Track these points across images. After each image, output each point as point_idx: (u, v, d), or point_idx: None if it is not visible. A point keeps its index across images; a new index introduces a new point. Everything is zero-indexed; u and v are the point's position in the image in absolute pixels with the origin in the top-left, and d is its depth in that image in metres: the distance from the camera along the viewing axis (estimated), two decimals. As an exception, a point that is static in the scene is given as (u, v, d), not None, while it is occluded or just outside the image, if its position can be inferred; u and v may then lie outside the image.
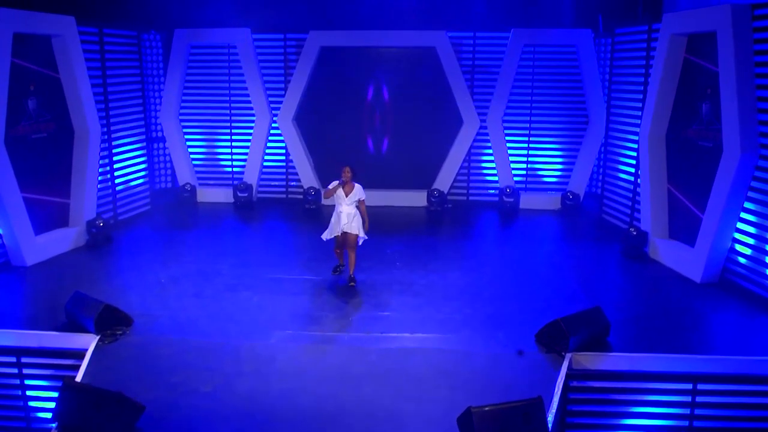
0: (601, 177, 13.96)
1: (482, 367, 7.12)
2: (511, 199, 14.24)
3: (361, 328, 8.01)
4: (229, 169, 15.22)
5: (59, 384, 6.31)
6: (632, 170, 12.23)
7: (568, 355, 7.09)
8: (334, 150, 14.66)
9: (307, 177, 14.84)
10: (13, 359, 7.19)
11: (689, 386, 6.84)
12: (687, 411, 6.87)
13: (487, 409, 5.80)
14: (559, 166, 14.74)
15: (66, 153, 11.37)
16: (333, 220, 9.31)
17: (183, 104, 14.98)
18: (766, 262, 8.87)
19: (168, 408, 6.41)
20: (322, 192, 12.53)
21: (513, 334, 7.77)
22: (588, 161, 14.38)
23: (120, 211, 12.92)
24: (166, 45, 14.70)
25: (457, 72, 14.34)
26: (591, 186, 14.90)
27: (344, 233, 9.19)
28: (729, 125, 9.15)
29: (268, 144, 14.95)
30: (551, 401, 6.42)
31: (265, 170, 15.11)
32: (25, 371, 7.22)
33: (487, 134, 14.62)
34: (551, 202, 14.53)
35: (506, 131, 14.61)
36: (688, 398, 6.85)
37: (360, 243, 9.32)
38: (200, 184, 15.13)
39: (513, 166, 14.72)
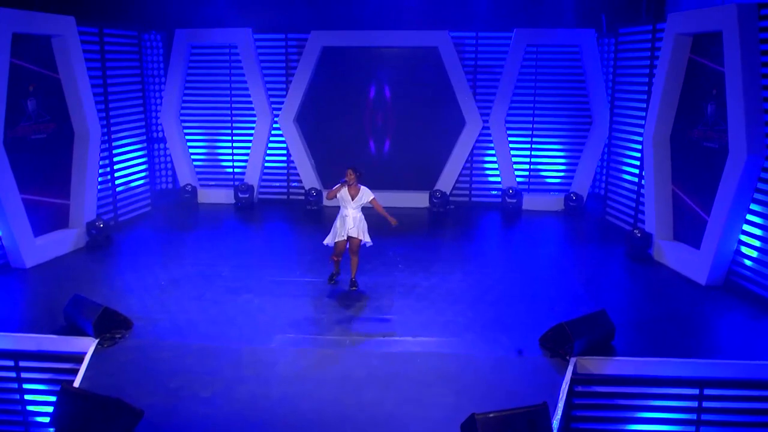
0: (604, 178, 13.88)
1: (486, 371, 7.03)
2: (514, 200, 14.17)
3: (363, 332, 7.93)
4: (230, 170, 15.15)
5: (57, 388, 6.23)
6: (636, 171, 12.15)
7: (573, 360, 7.01)
8: (335, 151, 14.59)
9: (309, 178, 14.76)
10: (11, 363, 7.16)
11: (696, 391, 6.78)
12: (694, 416, 6.81)
13: (491, 415, 5.70)
14: (563, 167, 14.66)
15: (66, 154, 11.30)
16: (337, 223, 9.08)
17: (184, 105, 14.92)
18: (772, 265, 8.79)
19: (167, 413, 6.32)
20: (324, 193, 12.47)
21: (516, 338, 7.68)
22: (591, 162, 14.30)
23: (120, 213, 12.86)
24: (166, 45, 14.65)
25: (460, 72, 14.27)
26: (594, 187, 14.80)
27: (349, 237, 9.05)
28: (735, 126, 9.08)
29: (270, 145, 14.89)
30: (556, 406, 6.34)
31: (266, 171, 15.04)
32: (24, 375, 7.20)
33: (489, 135, 14.55)
34: (554, 203, 14.44)
35: (509, 132, 14.53)
36: (695, 403, 6.79)
37: (366, 246, 9.21)
38: (201, 185, 15.07)
39: (516, 167, 14.66)
